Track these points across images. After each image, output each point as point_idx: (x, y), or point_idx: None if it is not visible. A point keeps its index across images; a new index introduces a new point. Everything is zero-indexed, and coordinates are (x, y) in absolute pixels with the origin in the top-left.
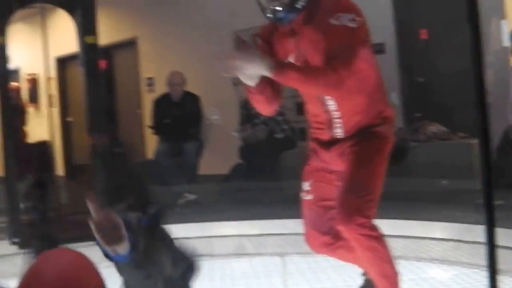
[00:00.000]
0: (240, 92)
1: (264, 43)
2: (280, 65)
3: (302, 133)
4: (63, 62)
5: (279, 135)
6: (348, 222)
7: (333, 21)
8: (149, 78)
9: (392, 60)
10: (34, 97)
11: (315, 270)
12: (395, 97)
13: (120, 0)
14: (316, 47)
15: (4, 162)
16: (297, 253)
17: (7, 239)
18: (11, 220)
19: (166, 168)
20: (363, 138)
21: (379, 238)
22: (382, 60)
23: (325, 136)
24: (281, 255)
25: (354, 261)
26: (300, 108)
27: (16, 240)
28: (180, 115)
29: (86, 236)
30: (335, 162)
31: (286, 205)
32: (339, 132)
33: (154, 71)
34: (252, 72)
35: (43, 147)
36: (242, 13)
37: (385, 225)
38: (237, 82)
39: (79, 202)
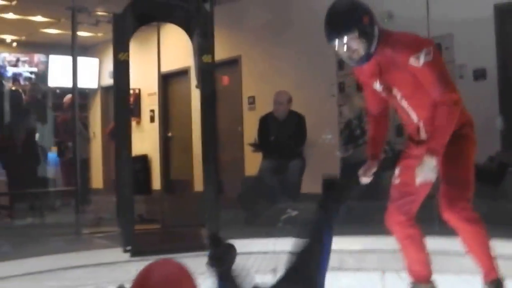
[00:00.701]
0: (344, 113)
1: (359, 77)
2: (435, 151)
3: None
4: (165, 78)
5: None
6: (452, 208)
7: (414, 64)
8: (251, 97)
9: (493, 86)
10: (136, 112)
11: None
12: (499, 122)
13: (225, 20)
14: (401, 82)
15: (117, 173)
16: (396, 270)
17: (120, 247)
18: (124, 229)
19: (270, 184)
20: (452, 140)
21: (478, 220)
22: (483, 86)
23: (415, 137)
24: (382, 270)
25: (415, 252)
26: (399, 130)
27: (128, 248)
28: (285, 133)
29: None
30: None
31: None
32: (423, 136)
33: (256, 90)
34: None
35: (143, 161)
36: None
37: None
38: (342, 104)
39: (177, 215)
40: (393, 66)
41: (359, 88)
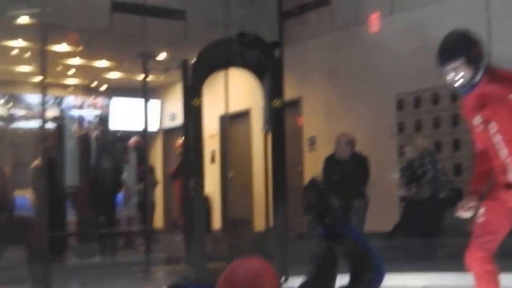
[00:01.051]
0: (407, 153)
1: (463, 111)
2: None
3: (461, 193)
4: (225, 120)
5: (442, 195)
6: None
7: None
8: (311, 137)
9: None
10: None
11: None
12: None
13: (286, 61)
14: (499, 116)
15: (188, 213)
16: None
17: None
18: (197, 266)
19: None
20: None
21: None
22: None
23: (502, 178)
24: None
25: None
26: (457, 169)
27: None
28: (348, 173)
29: None
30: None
31: (449, 259)
32: (511, 177)
33: (316, 130)
34: None
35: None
36: (402, 79)
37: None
38: (404, 144)
39: (242, 252)
40: (495, 100)
41: (419, 128)
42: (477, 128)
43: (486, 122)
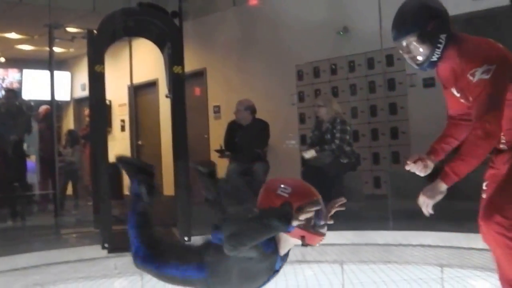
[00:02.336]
0: (321, 114)
1: (439, 76)
2: (447, 176)
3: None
4: (135, 90)
5: (343, 160)
6: (488, 219)
7: (470, 77)
8: (216, 106)
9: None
10: (107, 122)
11: (374, 279)
12: None
13: (192, 34)
14: (466, 92)
15: (94, 179)
16: (354, 262)
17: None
18: (103, 228)
19: (236, 185)
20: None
21: None
22: (432, 93)
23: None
24: (340, 263)
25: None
26: (355, 136)
27: (106, 245)
28: (248, 137)
29: None
30: (503, 167)
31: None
32: (503, 145)
33: (221, 100)
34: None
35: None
36: (303, 49)
37: (435, 237)
38: (321, 105)
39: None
40: (462, 76)
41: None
42: (460, 99)
43: (465, 95)
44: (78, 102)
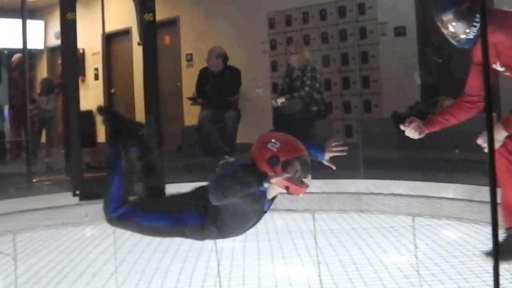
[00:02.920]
0: (292, 61)
1: (474, 55)
2: (505, 123)
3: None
4: (108, 38)
5: (313, 108)
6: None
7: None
8: (189, 54)
9: (413, 42)
10: (81, 71)
11: (345, 228)
12: (417, 76)
13: None
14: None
15: (66, 127)
16: (325, 210)
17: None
18: (74, 176)
19: (209, 132)
20: None
21: None
22: (403, 42)
23: None
24: (312, 212)
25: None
26: (327, 85)
27: (77, 192)
28: (220, 84)
29: None
30: None
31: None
32: None
33: (194, 48)
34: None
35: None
36: None
37: (406, 187)
38: (293, 52)
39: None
40: (507, 50)
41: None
42: (505, 72)
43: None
44: (52, 51)
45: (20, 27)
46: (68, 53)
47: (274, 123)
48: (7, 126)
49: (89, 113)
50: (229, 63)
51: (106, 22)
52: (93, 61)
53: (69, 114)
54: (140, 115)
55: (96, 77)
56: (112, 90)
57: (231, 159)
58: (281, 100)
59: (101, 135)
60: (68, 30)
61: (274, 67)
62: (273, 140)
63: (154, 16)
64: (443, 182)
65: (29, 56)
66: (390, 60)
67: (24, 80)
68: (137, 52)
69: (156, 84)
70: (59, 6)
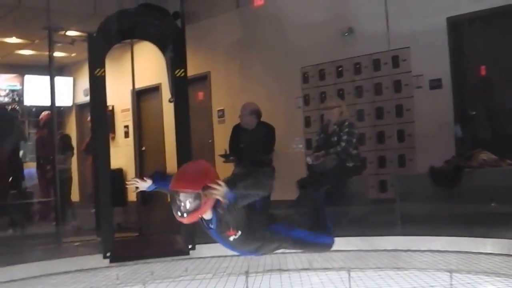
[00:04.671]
0: (331, 117)
1: None
2: None
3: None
4: (138, 95)
5: (349, 164)
6: None
7: None
8: (220, 110)
9: (448, 94)
10: (111, 128)
11: (382, 286)
12: (457, 129)
13: (194, 38)
14: None
15: (96, 185)
16: (361, 269)
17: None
18: (104, 237)
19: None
20: None
21: None
22: (438, 94)
23: None
24: (347, 270)
25: None
26: (361, 139)
27: (108, 254)
28: (253, 142)
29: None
30: None
31: (352, 225)
32: None
33: (225, 104)
34: None
35: (118, 174)
36: (308, 53)
37: (443, 242)
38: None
39: (153, 224)
40: None
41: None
42: None
43: None
44: (81, 108)
45: (48, 83)
46: (97, 111)
47: (308, 180)
48: (34, 185)
49: (119, 172)
50: (262, 118)
51: (136, 78)
52: (123, 118)
53: (99, 173)
54: (172, 172)
55: (126, 134)
56: (143, 148)
57: None
58: (315, 159)
59: (131, 194)
60: (97, 87)
61: (307, 122)
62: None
63: (185, 72)
64: (481, 236)
65: (58, 114)
66: (425, 113)
67: (53, 138)
68: (168, 108)
69: (189, 141)
70: (87, 62)
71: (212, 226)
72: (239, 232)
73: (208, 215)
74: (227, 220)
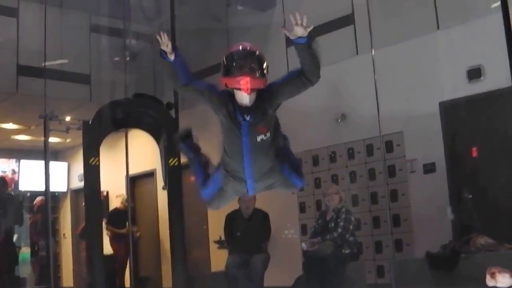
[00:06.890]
0: (330, 203)
1: None
2: None
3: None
4: (132, 180)
5: (345, 251)
6: None
7: None
8: None
9: (443, 178)
10: (105, 213)
11: None
12: (449, 212)
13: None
14: None
15: (89, 270)
16: None
17: None
18: None
19: (235, 279)
20: None
21: None
22: (433, 178)
23: None
24: None
25: None
26: (357, 225)
27: None
28: (250, 229)
29: None
30: None
31: None
32: None
33: None
34: None
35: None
36: (301, 137)
37: None
38: (335, 192)
39: None
40: None
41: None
42: None
43: None
44: (76, 193)
45: (43, 169)
46: (91, 198)
47: (304, 266)
48: (29, 272)
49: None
50: (257, 204)
51: (130, 164)
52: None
53: (92, 258)
54: (166, 257)
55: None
56: (138, 234)
57: None
58: (311, 245)
59: (126, 280)
60: (91, 175)
61: (302, 208)
62: None
63: (179, 160)
64: None
65: (52, 199)
66: (420, 197)
67: (47, 224)
68: (162, 194)
69: (182, 229)
70: (82, 149)
71: (247, 118)
72: (268, 134)
73: (251, 97)
74: (264, 109)
